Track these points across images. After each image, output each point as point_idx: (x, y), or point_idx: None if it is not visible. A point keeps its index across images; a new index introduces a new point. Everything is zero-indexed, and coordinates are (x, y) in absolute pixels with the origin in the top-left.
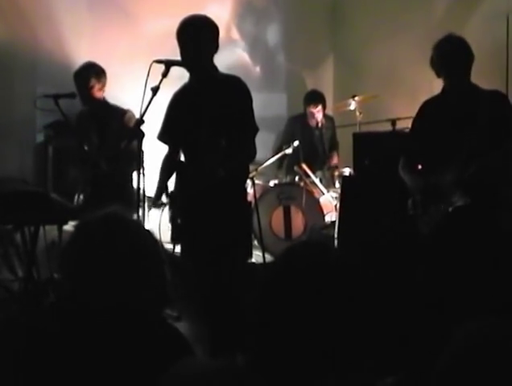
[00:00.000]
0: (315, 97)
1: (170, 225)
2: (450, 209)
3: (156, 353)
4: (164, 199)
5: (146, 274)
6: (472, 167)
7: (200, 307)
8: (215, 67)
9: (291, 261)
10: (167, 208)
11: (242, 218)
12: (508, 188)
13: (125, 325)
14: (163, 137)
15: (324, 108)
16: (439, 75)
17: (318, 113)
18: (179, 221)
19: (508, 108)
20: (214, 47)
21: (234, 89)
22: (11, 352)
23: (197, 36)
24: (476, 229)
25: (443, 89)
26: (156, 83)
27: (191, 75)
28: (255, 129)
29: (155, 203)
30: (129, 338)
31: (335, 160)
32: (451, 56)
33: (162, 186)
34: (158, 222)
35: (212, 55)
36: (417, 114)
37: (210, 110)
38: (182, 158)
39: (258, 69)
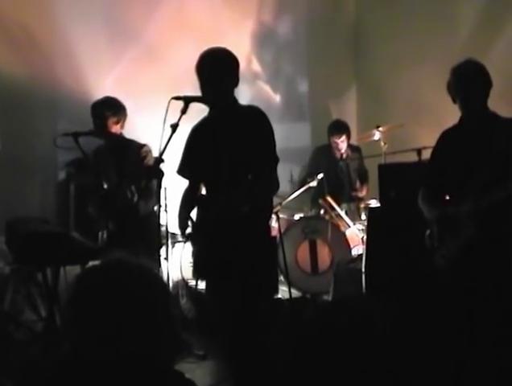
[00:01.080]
0: (339, 127)
1: (192, 261)
2: (464, 242)
3: None
4: (189, 229)
5: (152, 324)
6: (486, 198)
7: (224, 346)
8: (236, 100)
9: (329, 322)
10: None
11: (267, 253)
12: None
13: (133, 381)
14: (182, 171)
15: (349, 138)
16: (454, 100)
17: (342, 143)
18: (200, 256)
19: None
20: (235, 80)
21: (254, 120)
22: None
23: (217, 70)
24: (492, 265)
25: (461, 117)
26: (175, 120)
27: (210, 108)
28: (276, 160)
29: (183, 233)
30: None
31: (364, 192)
32: (468, 81)
33: (184, 220)
34: (180, 258)
35: (233, 89)
36: (436, 144)
37: (230, 143)
38: (203, 192)
39: (280, 100)
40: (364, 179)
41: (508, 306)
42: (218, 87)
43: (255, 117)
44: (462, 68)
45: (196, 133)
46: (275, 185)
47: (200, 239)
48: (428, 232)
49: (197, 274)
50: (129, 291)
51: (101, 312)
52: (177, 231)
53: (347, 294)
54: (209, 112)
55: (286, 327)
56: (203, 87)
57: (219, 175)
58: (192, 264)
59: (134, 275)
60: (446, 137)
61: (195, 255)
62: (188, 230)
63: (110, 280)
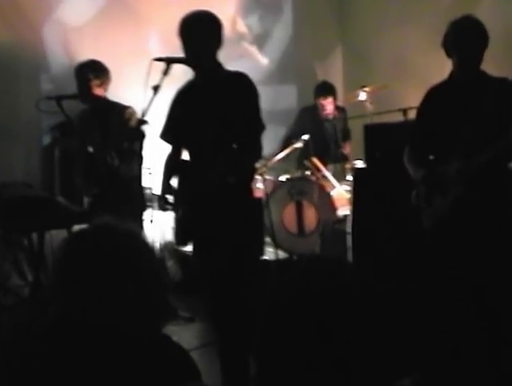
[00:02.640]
0: (326, 89)
1: (174, 226)
2: (452, 202)
3: (156, 376)
4: (170, 199)
5: (141, 289)
6: (475, 158)
7: (210, 309)
8: (219, 64)
9: (302, 282)
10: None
11: (252, 217)
12: None
13: (121, 344)
14: (165, 136)
15: (335, 99)
16: (449, 54)
17: (329, 105)
18: (184, 223)
19: None
20: (217, 42)
21: (240, 86)
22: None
23: (199, 32)
24: (480, 225)
25: (451, 74)
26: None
27: (194, 72)
28: (262, 127)
29: (161, 204)
30: (125, 360)
31: (347, 149)
32: (467, 37)
33: (166, 187)
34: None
35: (216, 51)
36: (422, 100)
37: (215, 108)
38: (185, 158)
39: (266, 62)
40: (346, 138)
41: (497, 266)
42: (201, 49)
43: (242, 83)
44: (462, 23)
45: (181, 97)
46: (260, 152)
47: (184, 206)
48: (415, 191)
49: (181, 240)
50: (116, 255)
51: (88, 276)
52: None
53: (332, 255)
54: (194, 77)
55: (266, 289)
56: (185, 49)
57: (203, 141)
58: (174, 231)
59: (121, 239)
60: (434, 94)
61: (178, 222)
62: (171, 197)
63: (98, 244)
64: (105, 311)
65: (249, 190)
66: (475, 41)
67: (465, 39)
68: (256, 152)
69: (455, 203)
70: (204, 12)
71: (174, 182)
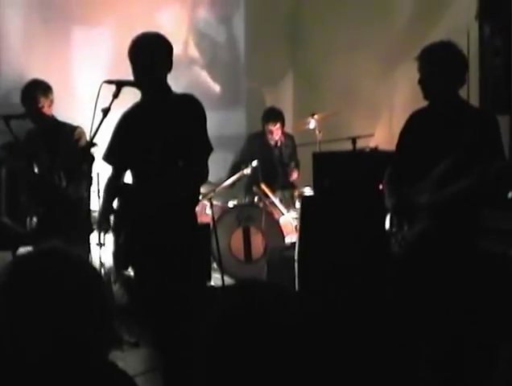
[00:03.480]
0: (274, 115)
1: (114, 250)
2: (420, 231)
3: None
4: (110, 220)
5: (87, 317)
6: (445, 189)
7: (153, 334)
8: (168, 87)
9: (243, 308)
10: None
11: (196, 241)
12: (487, 211)
13: (65, 373)
14: (108, 158)
15: (283, 125)
16: (422, 82)
17: (277, 131)
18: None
19: (493, 133)
20: (167, 66)
21: (187, 108)
22: None
23: (149, 55)
24: (444, 255)
25: (430, 103)
26: (107, 104)
27: (142, 95)
28: (209, 149)
29: (101, 226)
30: None
31: (294, 176)
32: (435, 63)
33: (107, 209)
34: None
35: (166, 75)
36: (404, 125)
37: (162, 129)
38: (126, 181)
39: (217, 87)
40: (294, 165)
41: (458, 300)
42: (150, 73)
43: (188, 105)
44: (431, 49)
45: (127, 118)
46: (206, 174)
47: (126, 229)
48: (389, 216)
49: (122, 263)
50: (63, 281)
51: (32, 301)
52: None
53: (279, 282)
54: (141, 100)
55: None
56: (135, 72)
57: (149, 162)
58: (114, 254)
59: (68, 265)
60: (413, 120)
61: (120, 245)
62: (111, 219)
63: (44, 269)
64: (49, 338)
65: (194, 212)
66: (443, 68)
67: (433, 65)
68: (202, 173)
69: (421, 234)
70: (154, 34)
71: (114, 204)
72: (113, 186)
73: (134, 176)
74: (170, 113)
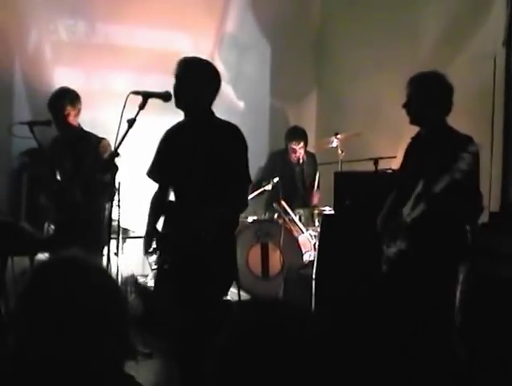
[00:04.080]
0: (298, 134)
1: (155, 266)
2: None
3: None
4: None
5: (105, 326)
6: (414, 212)
7: (172, 346)
8: (212, 112)
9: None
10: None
11: (230, 268)
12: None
13: (81, 381)
14: (152, 174)
15: (306, 144)
16: (412, 111)
17: (300, 150)
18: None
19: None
20: (214, 92)
21: (230, 135)
22: None
23: (199, 79)
24: (417, 276)
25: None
26: (133, 115)
27: (185, 115)
28: (248, 181)
29: (147, 251)
30: None
31: (316, 200)
32: (422, 92)
33: (151, 232)
34: (132, 254)
35: (212, 101)
36: (405, 150)
37: (205, 155)
38: (171, 198)
39: (241, 103)
40: (316, 187)
41: (433, 315)
42: (197, 95)
43: (232, 133)
44: (418, 77)
45: (171, 137)
46: (245, 204)
47: (166, 250)
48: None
49: (160, 281)
50: (82, 290)
51: (51, 308)
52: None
53: (295, 300)
54: (185, 118)
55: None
56: (182, 92)
57: (190, 185)
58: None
59: (87, 274)
60: (408, 147)
61: (159, 263)
62: (154, 241)
63: (65, 277)
64: (67, 347)
65: (232, 241)
66: (427, 96)
67: (419, 94)
68: (241, 205)
69: (400, 252)
70: (205, 61)
71: (159, 223)
72: (159, 202)
73: (176, 196)
74: (213, 137)
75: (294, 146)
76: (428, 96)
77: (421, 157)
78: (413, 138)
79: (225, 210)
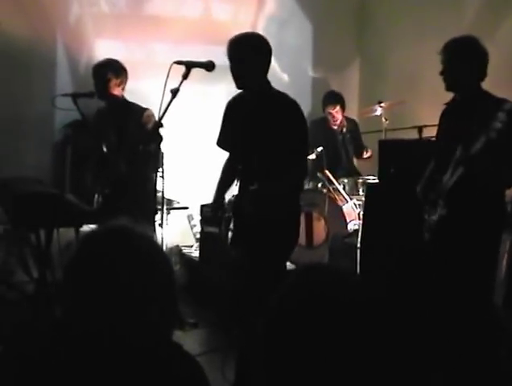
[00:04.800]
0: (332, 97)
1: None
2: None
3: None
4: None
5: (153, 295)
6: (449, 179)
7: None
8: (268, 82)
9: (304, 291)
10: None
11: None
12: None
13: (128, 352)
14: (221, 143)
15: (343, 109)
16: (447, 77)
17: (337, 114)
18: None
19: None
20: (267, 64)
21: (287, 108)
22: (3, 377)
23: (250, 54)
24: (455, 243)
25: (453, 96)
26: (177, 85)
27: (245, 90)
28: (305, 152)
29: (213, 219)
30: (132, 369)
31: (368, 154)
32: (455, 57)
33: (218, 199)
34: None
35: (266, 72)
36: (439, 118)
37: (263, 130)
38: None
39: (284, 75)
40: (363, 148)
41: (469, 286)
42: (252, 73)
43: (289, 106)
44: (452, 44)
45: (233, 107)
46: (304, 174)
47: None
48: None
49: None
50: (132, 259)
51: (100, 278)
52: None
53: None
54: (245, 92)
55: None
56: (236, 67)
57: (250, 156)
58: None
59: (137, 243)
60: (443, 115)
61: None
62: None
63: (114, 246)
64: (114, 318)
65: (295, 208)
66: (463, 61)
67: (453, 59)
68: (300, 175)
69: (439, 220)
70: (251, 34)
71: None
72: (229, 170)
73: (240, 164)
74: (271, 112)
75: (331, 111)
76: (462, 62)
77: (457, 122)
78: (447, 104)
79: (279, 183)
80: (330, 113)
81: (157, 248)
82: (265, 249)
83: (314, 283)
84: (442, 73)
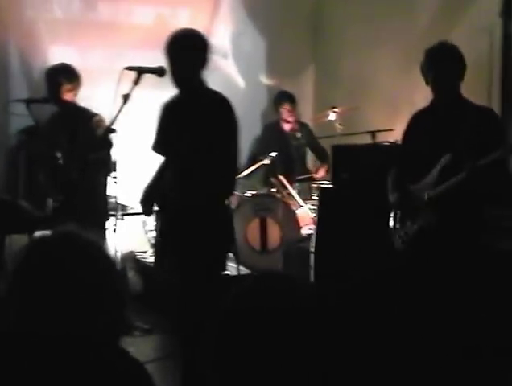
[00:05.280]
0: (285, 96)
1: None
2: (421, 226)
3: None
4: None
5: (99, 301)
6: (443, 184)
7: (174, 321)
8: (202, 82)
9: (255, 297)
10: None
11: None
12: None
13: (74, 358)
14: (156, 147)
15: (294, 108)
16: (427, 82)
17: (289, 113)
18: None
19: (494, 129)
20: (203, 63)
21: (217, 108)
22: None
23: (186, 52)
24: (443, 251)
25: (432, 100)
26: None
27: (178, 88)
28: (234, 167)
29: (145, 206)
30: (79, 372)
31: (321, 173)
32: (438, 62)
33: (152, 191)
34: (129, 230)
35: (201, 71)
36: (407, 125)
37: (192, 127)
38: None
39: (240, 80)
40: (323, 159)
41: (459, 294)
42: (187, 69)
43: (218, 103)
44: (435, 49)
45: (167, 109)
46: (230, 187)
47: (164, 217)
48: (392, 213)
49: (159, 250)
50: (76, 266)
51: (45, 284)
52: (133, 207)
53: (294, 274)
54: (179, 93)
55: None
56: (172, 67)
57: (183, 158)
58: (154, 239)
59: (82, 250)
60: (416, 120)
61: (158, 232)
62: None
63: (59, 253)
64: (60, 323)
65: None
66: (449, 67)
67: (436, 65)
68: (224, 186)
69: (423, 229)
70: (192, 31)
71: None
72: (164, 169)
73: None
74: (201, 111)
75: (282, 109)
76: (439, 68)
77: (438, 129)
78: (422, 110)
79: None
80: (282, 111)
81: (104, 253)
82: (192, 255)
83: (268, 289)
84: (427, 83)
